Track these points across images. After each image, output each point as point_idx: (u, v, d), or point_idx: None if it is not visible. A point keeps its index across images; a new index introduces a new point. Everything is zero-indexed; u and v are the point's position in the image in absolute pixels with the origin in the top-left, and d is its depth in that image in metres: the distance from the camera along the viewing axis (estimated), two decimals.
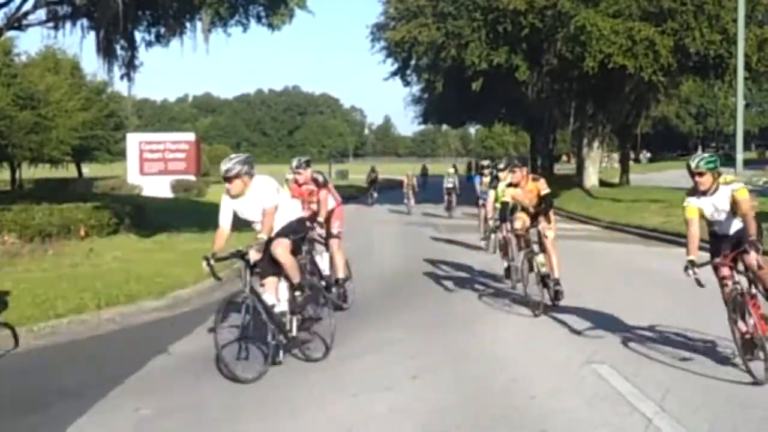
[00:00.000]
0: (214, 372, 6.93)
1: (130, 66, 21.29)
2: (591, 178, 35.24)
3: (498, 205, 10.72)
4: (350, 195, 33.06)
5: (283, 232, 7.15)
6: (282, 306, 7.09)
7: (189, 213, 25.44)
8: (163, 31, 20.94)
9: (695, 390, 6.06)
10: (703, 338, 7.79)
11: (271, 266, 7.03)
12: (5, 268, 12.85)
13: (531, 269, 9.56)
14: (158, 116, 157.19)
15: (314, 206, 9.74)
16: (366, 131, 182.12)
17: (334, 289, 9.59)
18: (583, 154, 36.11)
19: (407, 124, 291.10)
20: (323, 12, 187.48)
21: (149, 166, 43.91)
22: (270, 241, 7.00)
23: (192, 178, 43.98)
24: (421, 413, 5.72)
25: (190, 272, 12.20)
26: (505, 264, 11.27)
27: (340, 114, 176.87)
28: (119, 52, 20.94)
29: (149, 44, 21.43)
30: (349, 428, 5.43)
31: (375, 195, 36.20)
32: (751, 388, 6.07)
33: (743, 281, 6.64)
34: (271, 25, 20.00)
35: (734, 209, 6.55)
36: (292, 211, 7.51)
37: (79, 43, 37.85)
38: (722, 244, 6.78)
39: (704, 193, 6.54)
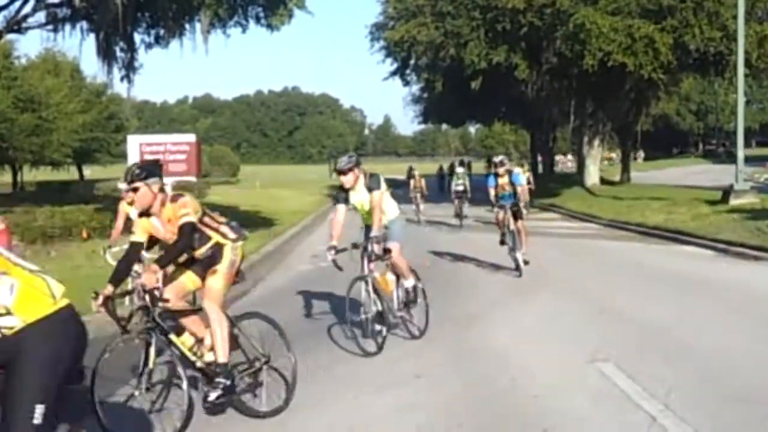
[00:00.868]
0: None
1: (130, 68, 21.33)
2: (592, 176, 35.23)
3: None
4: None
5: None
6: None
7: None
8: (162, 32, 20.97)
9: (700, 388, 6.05)
10: (707, 336, 7.78)
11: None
12: None
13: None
14: (158, 118, 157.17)
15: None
16: (366, 131, 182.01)
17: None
18: (584, 152, 36.10)
19: (407, 123, 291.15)
20: (322, 12, 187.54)
21: None
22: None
23: (193, 179, 43.90)
24: (424, 412, 5.71)
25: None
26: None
27: (340, 114, 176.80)
28: (119, 54, 20.97)
29: (149, 46, 21.49)
30: (352, 427, 5.43)
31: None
32: (755, 385, 6.06)
33: None
34: (270, 26, 20.01)
35: None
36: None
37: (78, 46, 37.90)
38: None
39: None
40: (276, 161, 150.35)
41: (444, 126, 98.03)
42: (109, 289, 5.10)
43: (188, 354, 5.42)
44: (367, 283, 7.74)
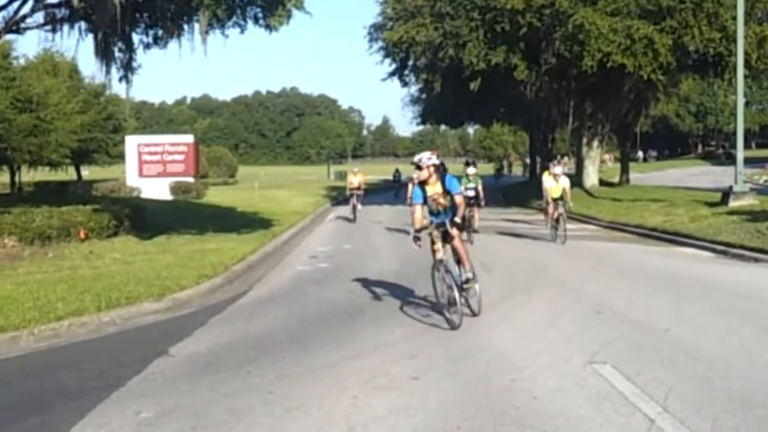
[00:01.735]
0: (215, 374, 6.93)
1: (128, 68, 21.25)
2: (591, 178, 35.23)
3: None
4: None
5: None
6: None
7: (188, 215, 25.44)
8: (160, 33, 20.90)
9: (698, 390, 6.04)
10: (706, 338, 7.78)
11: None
12: (6, 271, 12.85)
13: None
14: (156, 118, 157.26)
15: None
16: (364, 132, 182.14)
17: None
18: (583, 153, 36.10)
19: (406, 124, 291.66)
20: (321, 13, 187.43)
21: (148, 168, 43.94)
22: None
23: (191, 180, 44.01)
24: (422, 414, 5.70)
25: (190, 274, 12.21)
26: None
27: (339, 115, 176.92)
28: (117, 54, 20.89)
29: (147, 46, 21.39)
30: (350, 429, 5.42)
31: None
32: (754, 387, 6.05)
33: None
34: (268, 27, 19.95)
35: None
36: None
37: (76, 46, 37.87)
38: None
39: None
40: (274, 162, 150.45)
41: (443, 127, 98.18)
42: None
43: None
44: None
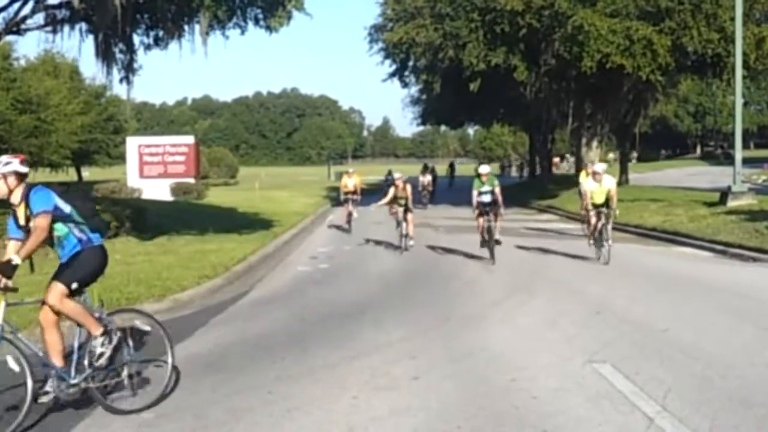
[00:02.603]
0: (215, 374, 6.95)
1: (129, 69, 21.26)
2: None
3: None
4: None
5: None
6: None
7: (189, 216, 25.44)
8: (161, 34, 20.91)
9: (697, 388, 6.06)
10: (705, 337, 7.80)
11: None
12: None
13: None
14: (157, 119, 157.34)
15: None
16: (365, 133, 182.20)
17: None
18: (582, 153, 36.12)
19: (406, 125, 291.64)
20: (321, 14, 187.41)
21: (149, 169, 43.91)
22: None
23: (192, 180, 44.00)
24: (423, 414, 5.72)
25: (191, 274, 12.23)
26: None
27: (339, 116, 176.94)
28: (118, 55, 20.90)
29: (148, 47, 21.39)
30: (350, 429, 5.44)
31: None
32: (752, 386, 6.08)
33: None
34: (269, 28, 19.97)
35: None
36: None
37: (77, 47, 37.89)
38: None
39: None
40: (275, 163, 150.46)
41: (443, 127, 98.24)
42: None
43: None
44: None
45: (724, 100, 73.96)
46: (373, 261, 16.00)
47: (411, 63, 36.11)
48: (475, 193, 14.92)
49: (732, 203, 21.87)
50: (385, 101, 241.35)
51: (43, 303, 5.69)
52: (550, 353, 7.42)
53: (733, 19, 24.18)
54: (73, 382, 5.58)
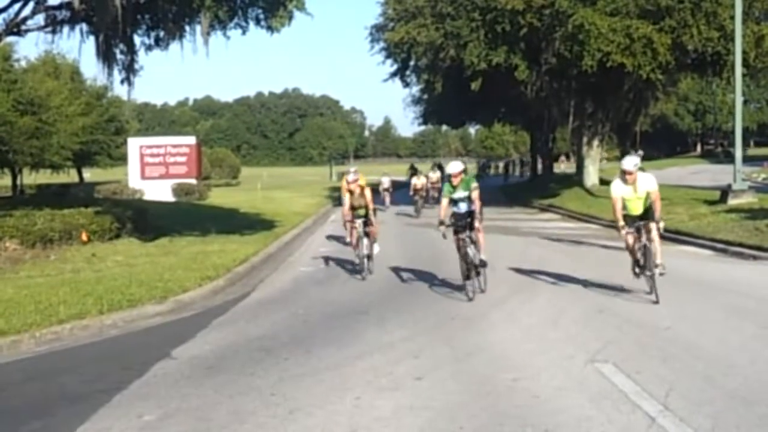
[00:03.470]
0: (217, 376, 6.96)
1: (130, 70, 21.25)
2: (591, 177, 35.20)
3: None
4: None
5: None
6: None
7: (191, 216, 25.45)
8: (162, 34, 20.89)
9: (699, 387, 6.07)
10: (706, 335, 7.80)
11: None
12: (7, 274, 12.88)
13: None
14: (159, 120, 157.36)
15: None
16: (366, 133, 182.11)
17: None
18: (583, 152, 36.10)
19: (407, 125, 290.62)
20: (322, 14, 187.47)
21: (150, 170, 43.95)
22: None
23: (193, 181, 44.03)
24: (426, 414, 5.72)
25: (193, 276, 12.23)
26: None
27: (341, 116, 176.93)
28: (119, 56, 20.88)
29: (149, 48, 21.38)
30: (354, 430, 5.44)
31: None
32: (754, 385, 6.08)
33: None
34: (270, 28, 19.95)
35: None
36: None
37: (78, 48, 37.88)
38: None
39: None
40: (276, 163, 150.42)
41: (444, 127, 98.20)
42: None
43: None
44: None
45: (724, 98, 73.87)
46: (374, 261, 15.98)
47: (412, 63, 36.06)
48: (444, 202, 10.84)
49: (732, 201, 21.87)
50: (387, 101, 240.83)
51: None
52: (552, 352, 7.42)
53: (732, 17, 24.17)
54: None
